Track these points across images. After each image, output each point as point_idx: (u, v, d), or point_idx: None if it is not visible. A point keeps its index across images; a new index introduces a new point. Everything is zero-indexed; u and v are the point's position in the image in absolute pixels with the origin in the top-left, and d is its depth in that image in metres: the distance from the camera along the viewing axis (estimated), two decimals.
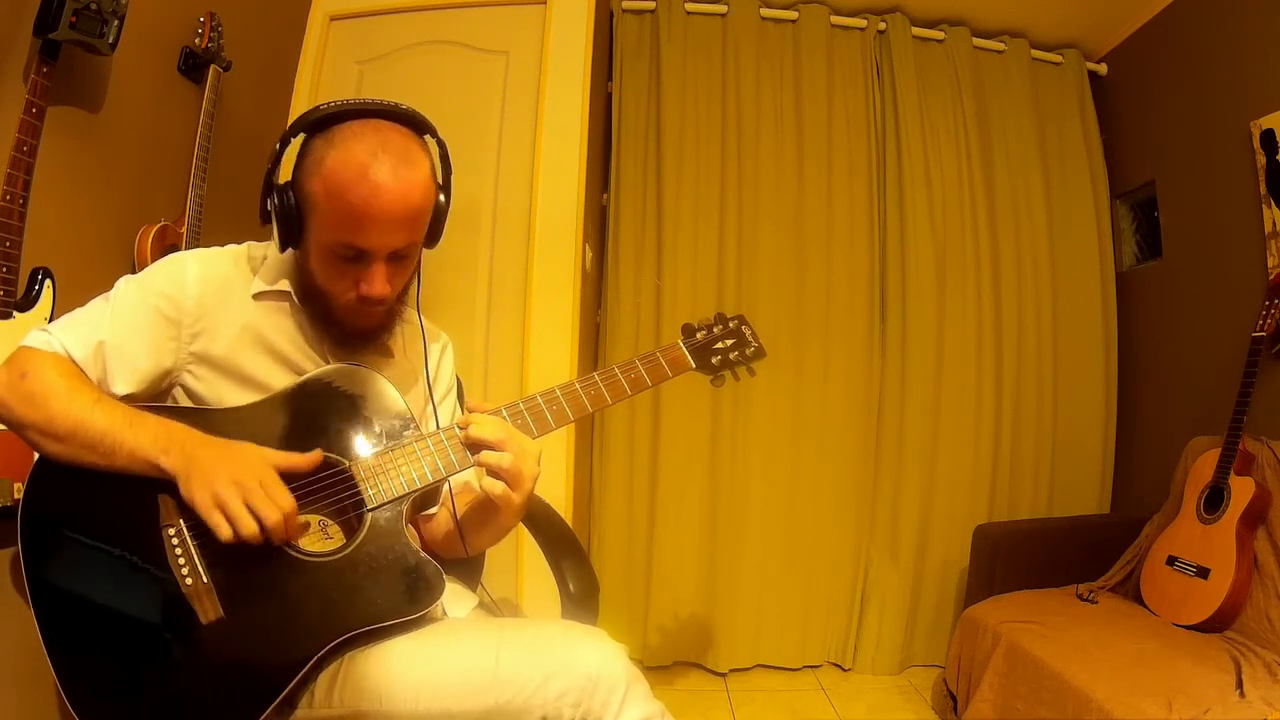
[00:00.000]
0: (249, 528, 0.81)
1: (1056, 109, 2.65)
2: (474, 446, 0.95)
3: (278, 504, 0.83)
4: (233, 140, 1.83)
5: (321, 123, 0.91)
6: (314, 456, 0.90)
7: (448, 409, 1.17)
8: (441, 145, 0.99)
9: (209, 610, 0.83)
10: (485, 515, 1.04)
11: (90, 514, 0.85)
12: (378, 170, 0.88)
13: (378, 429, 0.96)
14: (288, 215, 0.92)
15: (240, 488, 0.82)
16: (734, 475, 2.43)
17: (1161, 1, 2.43)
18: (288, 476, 0.87)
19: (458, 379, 1.24)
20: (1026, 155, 2.60)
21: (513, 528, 1.04)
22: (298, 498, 0.89)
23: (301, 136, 0.94)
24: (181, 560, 0.83)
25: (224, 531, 0.81)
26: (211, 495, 0.81)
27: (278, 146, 0.92)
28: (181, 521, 0.85)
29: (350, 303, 0.96)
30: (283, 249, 0.95)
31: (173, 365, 0.95)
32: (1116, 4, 2.51)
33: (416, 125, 0.95)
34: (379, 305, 0.96)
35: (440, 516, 1.12)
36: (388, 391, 0.99)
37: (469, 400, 1.01)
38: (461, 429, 0.96)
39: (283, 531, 0.83)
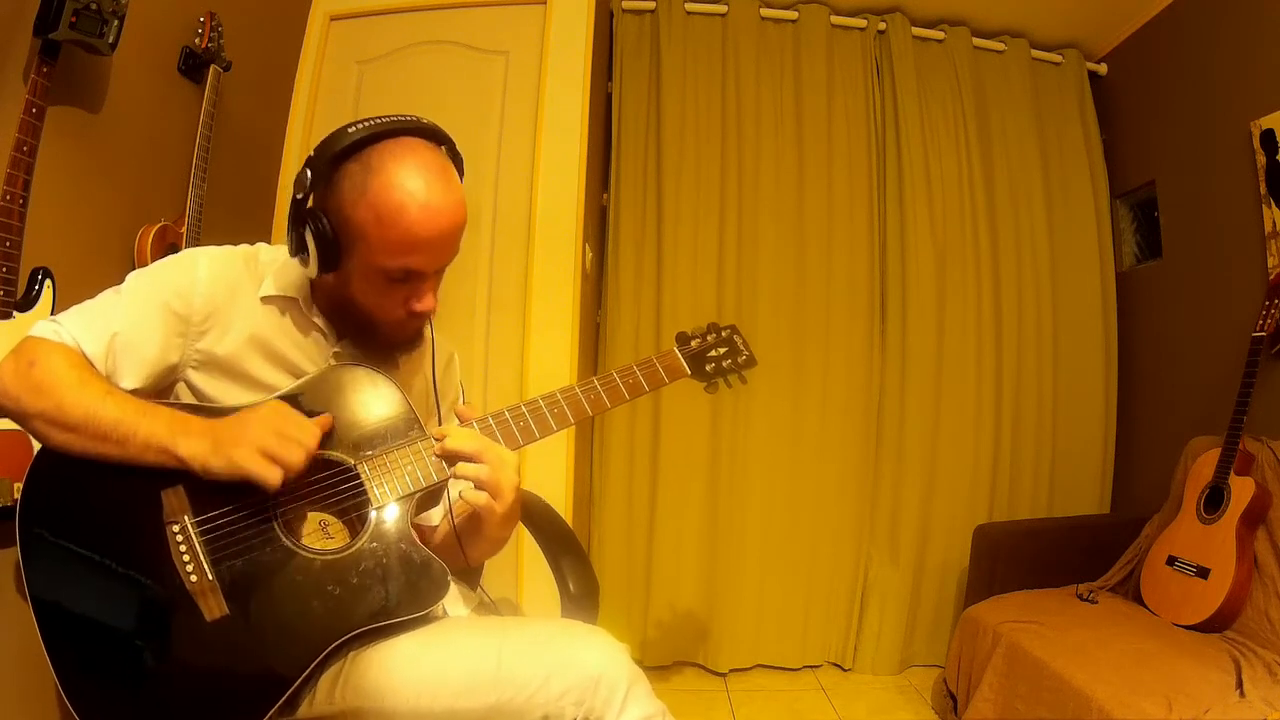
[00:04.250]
0: (295, 456, 0.84)
1: (1056, 109, 2.65)
2: (450, 459, 0.95)
3: (309, 430, 0.87)
4: (233, 140, 1.83)
5: (350, 148, 0.90)
6: (324, 419, 0.91)
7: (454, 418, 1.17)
8: (457, 156, 0.98)
9: (213, 608, 0.83)
10: (475, 526, 1.04)
11: (91, 512, 0.85)
12: (428, 194, 0.89)
13: (382, 428, 0.96)
14: (327, 243, 0.90)
15: (270, 425, 0.85)
16: (734, 475, 2.43)
17: (1161, 1, 2.43)
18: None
19: (460, 387, 1.24)
20: (1026, 155, 2.60)
21: (504, 539, 1.03)
22: (302, 496, 0.90)
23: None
24: (186, 557, 0.83)
25: (275, 476, 0.82)
26: (249, 445, 0.83)
27: (309, 175, 0.91)
28: (186, 518, 0.85)
29: (398, 320, 0.98)
30: (321, 275, 0.94)
31: (179, 361, 0.95)
32: (1116, 4, 2.51)
33: (437, 139, 0.95)
34: (426, 319, 1.00)
35: (443, 527, 1.12)
36: (391, 391, 0.99)
37: (459, 407, 1.02)
38: (437, 440, 0.96)
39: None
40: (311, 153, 0.92)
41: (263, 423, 0.85)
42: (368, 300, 0.96)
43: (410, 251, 0.90)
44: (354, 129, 0.90)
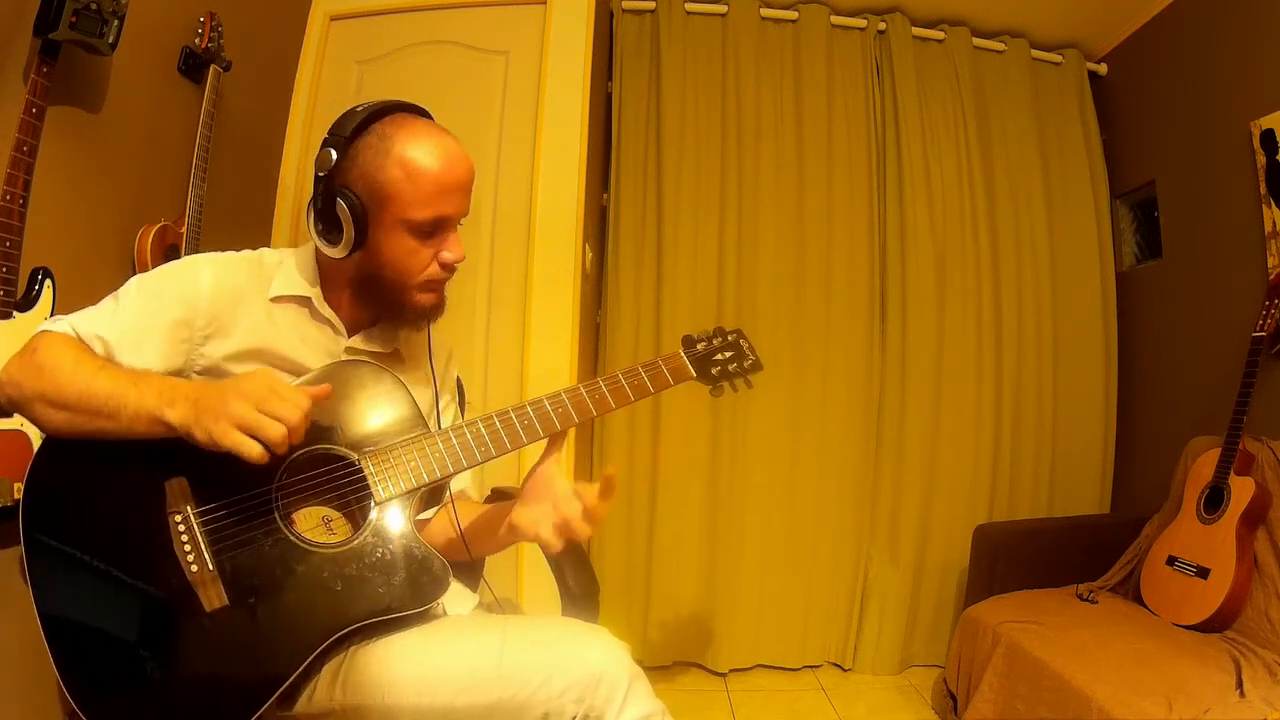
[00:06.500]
0: (275, 431, 0.79)
1: (1056, 109, 2.65)
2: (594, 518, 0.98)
3: (294, 402, 0.81)
4: (233, 140, 1.83)
5: (362, 124, 0.96)
6: (324, 389, 0.88)
7: (450, 415, 1.17)
8: None
9: (213, 598, 0.83)
10: (491, 528, 1.05)
11: (94, 502, 0.85)
12: (445, 146, 0.97)
13: (386, 424, 0.97)
14: (359, 214, 0.94)
15: (251, 399, 0.80)
16: (734, 475, 2.43)
17: (1161, 1, 2.44)
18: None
19: (459, 383, 1.24)
20: (1026, 155, 2.60)
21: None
22: (304, 491, 0.90)
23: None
24: (188, 547, 0.84)
25: (254, 450, 0.78)
26: (228, 419, 0.79)
27: (334, 154, 0.95)
28: (188, 508, 0.85)
29: (430, 278, 1.01)
30: (353, 251, 0.96)
31: (183, 366, 0.96)
32: (1116, 4, 2.51)
33: (428, 118, 1.02)
34: (452, 272, 1.03)
35: (437, 522, 1.12)
36: (397, 387, 0.99)
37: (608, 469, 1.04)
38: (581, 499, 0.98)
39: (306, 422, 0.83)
40: (327, 134, 0.97)
41: (243, 395, 0.80)
42: (399, 263, 0.98)
43: (441, 197, 0.96)
44: (360, 109, 0.98)
